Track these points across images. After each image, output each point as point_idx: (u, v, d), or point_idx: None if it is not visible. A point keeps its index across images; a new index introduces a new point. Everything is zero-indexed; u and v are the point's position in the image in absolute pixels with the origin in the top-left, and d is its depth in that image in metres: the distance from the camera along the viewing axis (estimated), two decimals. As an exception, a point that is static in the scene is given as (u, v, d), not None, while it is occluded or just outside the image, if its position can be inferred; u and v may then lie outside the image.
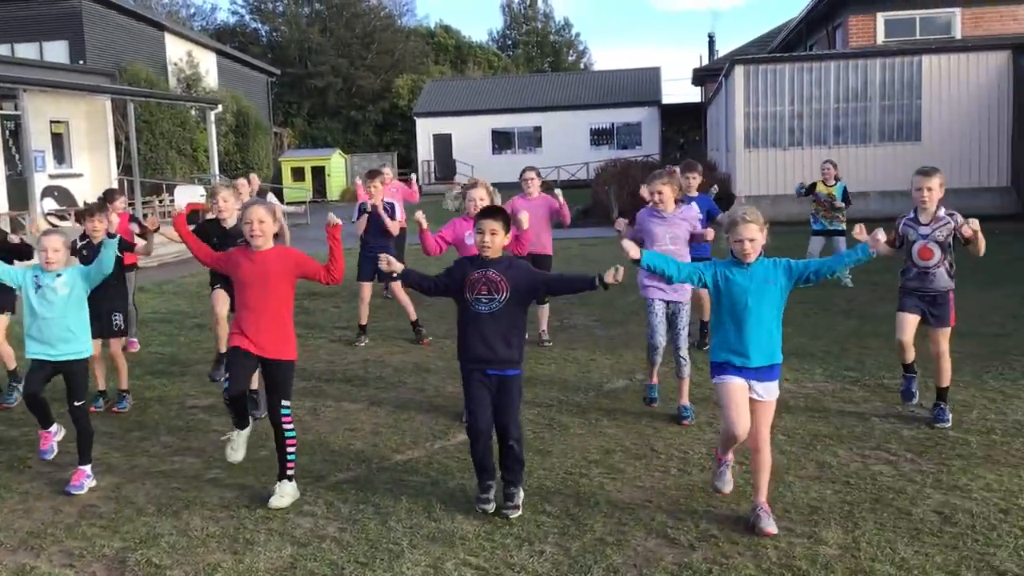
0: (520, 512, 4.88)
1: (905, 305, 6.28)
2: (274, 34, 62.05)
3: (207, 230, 7.40)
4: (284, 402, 5.20)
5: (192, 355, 9.34)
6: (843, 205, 11.85)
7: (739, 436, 4.62)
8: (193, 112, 29.27)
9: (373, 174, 9.78)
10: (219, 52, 37.92)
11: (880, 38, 24.27)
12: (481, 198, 6.63)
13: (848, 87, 20.77)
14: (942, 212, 6.14)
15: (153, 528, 4.92)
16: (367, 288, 9.71)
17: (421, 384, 7.87)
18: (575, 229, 21.71)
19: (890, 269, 12.99)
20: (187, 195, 23.37)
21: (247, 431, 5.39)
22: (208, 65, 35.76)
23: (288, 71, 56.02)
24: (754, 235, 4.61)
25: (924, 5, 24.27)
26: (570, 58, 76.65)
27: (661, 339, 6.58)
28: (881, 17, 24.36)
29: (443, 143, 47.86)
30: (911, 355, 6.39)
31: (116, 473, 5.81)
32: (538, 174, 9.17)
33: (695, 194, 8.71)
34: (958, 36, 23.83)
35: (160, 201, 25.03)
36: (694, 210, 6.83)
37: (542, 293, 5.21)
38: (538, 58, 74.51)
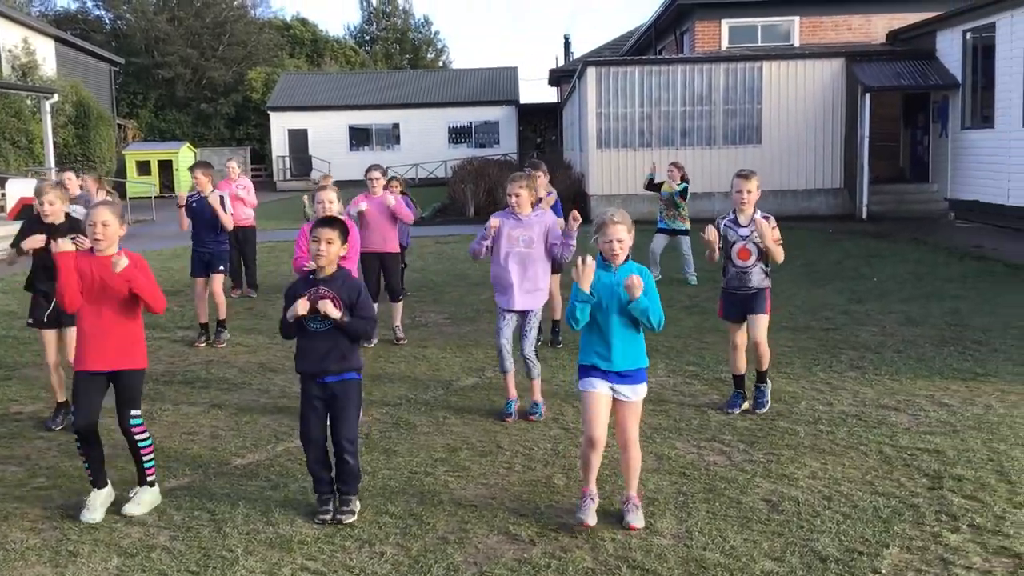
0: (355, 517, 4.80)
1: (729, 313, 6.54)
2: (119, 22, 59.41)
3: (34, 232, 6.95)
4: (134, 412, 4.97)
5: (19, 357, 8.82)
6: (683, 203, 12.24)
7: (596, 440, 4.65)
8: (29, 101, 27.66)
9: (199, 165, 9.55)
10: (58, 39, 35.96)
11: (724, 44, 25.22)
12: (331, 200, 6.51)
13: (694, 91, 21.49)
14: (759, 214, 6.39)
15: (-34, 544, 4.61)
16: (200, 284, 9.41)
17: (266, 385, 7.67)
18: (433, 226, 21.69)
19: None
20: (20, 189, 22.08)
21: (107, 490, 5.01)
22: (46, 52, 33.85)
23: (134, 61, 53.74)
24: (622, 236, 4.63)
25: (765, 14, 25.37)
26: (429, 56, 76.51)
27: (505, 341, 6.60)
28: (725, 24, 25.31)
29: (299, 138, 46.88)
30: (743, 363, 6.60)
31: (-73, 486, 5.42)
32: (383, 173, 9.11)
33: (543, 193, 8.80)
34: (797, 44, 25.02)
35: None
36: (550, 216, 6.82)
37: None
38: (397, 55, 74.04)
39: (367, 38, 75.61)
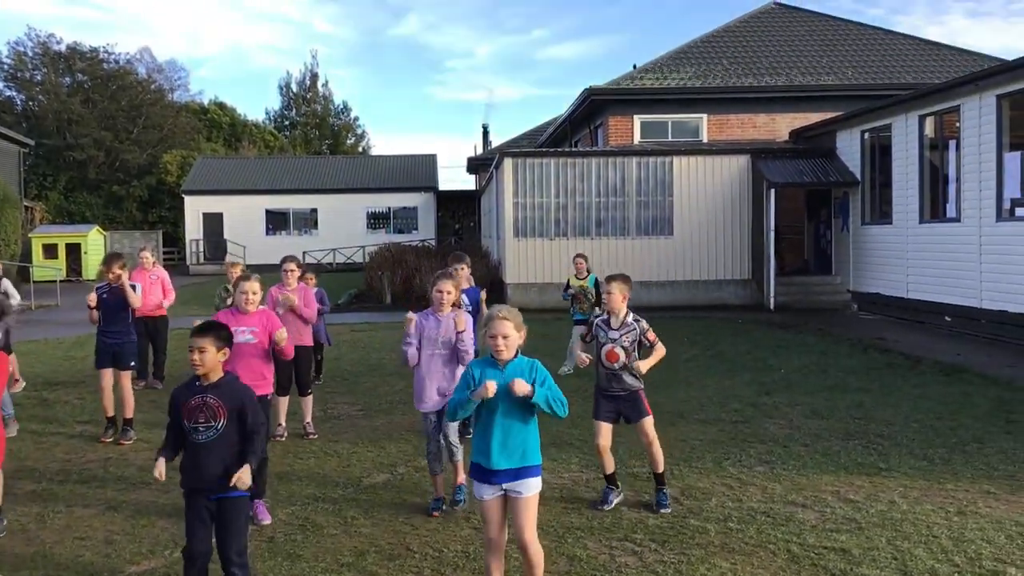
0: None
1: (599, 412, 6.61)
2: (30, 103, 58.45)
3: None
4: None
5: None
6: (594, 295, 12.33)
7: (494, 541, 4.61)
8: (-71, 182, 26.84)
9: (113, 258, 9.18)
10: (-36, 119, 35.16)
11: (637, 138, 26.00)
12: (255, 292, 6.44)
13: (608, 183, 21.99)
14: (630, 318, 6.52)
15: None
16: (107, 376, 9.06)
17: (167, 484, 7.37)
18: (349, 313, 21.48)
19: (643, 357, 13.67)
20: None
21: None
22: (-50, 132, 33.05)
23: (44, 142, 52.83)
24: (508, 332, 4.61)
25: (675, 111, 26.29)
26: (349, 141, 76.98)
27: (435, 445, 6.55)
28: (637, 119, 26.15)
29: (214, 222, 46.41)
30: (610, 463, 6.65)
31: None
32: (298, 264, 9.04)
33: (466, 285, 8.85)
34: (705, 140, 25.93)
35: None
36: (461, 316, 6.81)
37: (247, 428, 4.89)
38: (316, 140, 74.31)
39: (286, 123, 75.80)
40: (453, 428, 6.59)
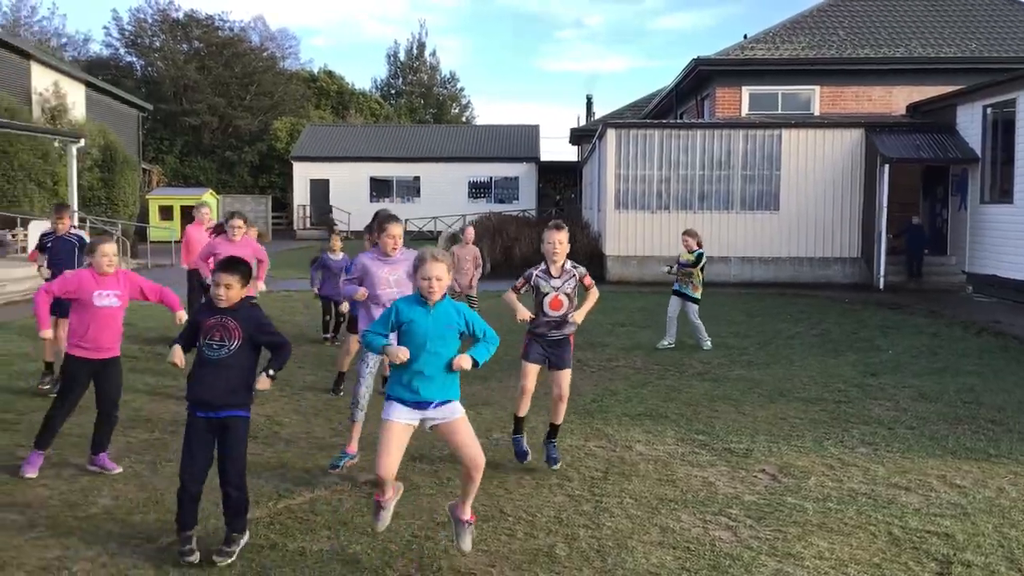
0: (231, 560, 4.87)
1: (530, 354, 6.70)
2: (149, 69, 60.54)
3: None
4: None
5: (30, 402, 8.83)
6: (693, 271, 12.15)
7: (385, 475, 4.74)
8: (56, 144, 28.09)
9: (61, 207, 10.18)
10: (89, 84, 36.66)
11: (745, 110, 25.43)
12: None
13: (713, 156, 21.62)
14: (568, 265, 6.66)
15: (-41, 594, 4.57)
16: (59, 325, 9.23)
17: (271, 439, 7.64)
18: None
19: (742, 334, 13.47)
20: (42, 230, 22.31)
21: None
22: (76, 97, 34.49)
23: (162, 107, 54.67)
24: (441, 274, 4.74)
25: (786, 82, 25.60)
26: (453, 111, 77.43)
27: (364, 390, 6.74)
28: (746, 91, 25.56)
29: (320, 188, 47.43)
30: (526, 406, 6.80)
31: (-74, 531, 5.40)
32: (246, 221, 10.17)
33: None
34: (816, 112, 25.20)
35: (14, 235, 23.85)
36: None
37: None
38: (421, 109, 74.97)
39: (393, 91, 76.67)
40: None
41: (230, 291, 4.94)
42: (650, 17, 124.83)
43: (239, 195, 49.42)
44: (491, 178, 47.74)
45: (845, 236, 21.53)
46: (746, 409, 8.83)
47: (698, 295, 12.21)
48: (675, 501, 6.10)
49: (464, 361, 4.72)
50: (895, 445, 7.52)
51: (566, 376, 6.70)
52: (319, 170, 47.42)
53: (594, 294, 6.85)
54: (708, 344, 12.20)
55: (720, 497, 6.18)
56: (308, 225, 46.56)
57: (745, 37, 27.65)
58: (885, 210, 20.07)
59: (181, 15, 60.90)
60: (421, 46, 77.36)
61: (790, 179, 21.51)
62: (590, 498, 6.13)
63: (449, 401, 4.80)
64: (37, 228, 22.44)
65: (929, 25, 26.44)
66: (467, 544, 4.96)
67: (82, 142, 26.41)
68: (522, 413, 6.86)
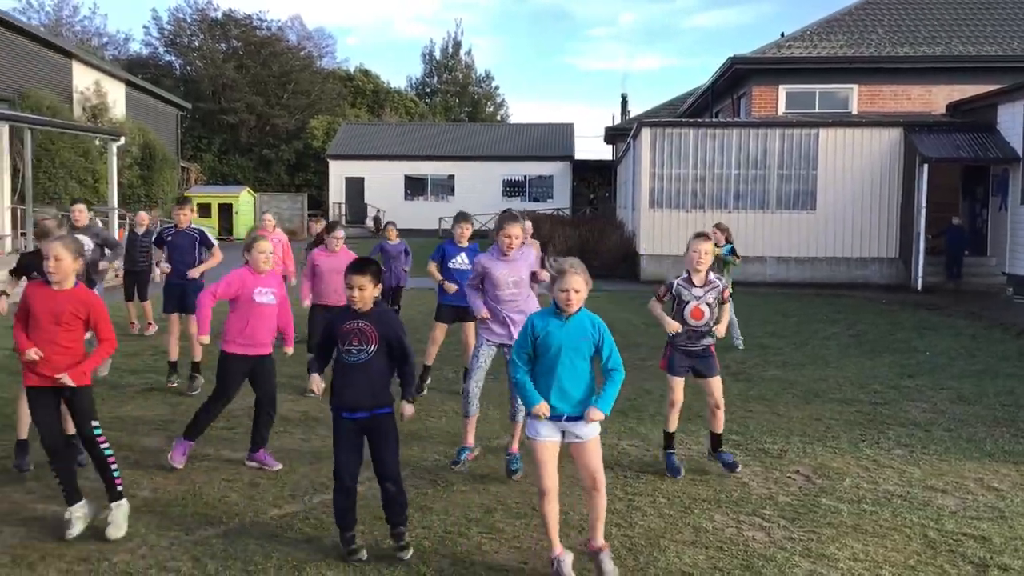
0: (411, 552, 4.99)
1: (675, 367, 6.68)
2: (188, 68, 61.18)
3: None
4: (93, 423, 5.26)
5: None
6: (734, 260, 12.09)
7: (548, 489, 4.71)
8: (97, 142, 28.54)
9: (182, 201, 9.90)
10: (129, 83, 37.18)
11: (781, 109, 25.24)
12: (268, 251, 6.89)
13: (749, 155, 21.48)
14: (711, 276, 6.63)
15: (4, 582, 4.68)
16: (174, 321, 9.55)
17: (307, 435, 7.72)
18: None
19: (778, 334, 13.39)
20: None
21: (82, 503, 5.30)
22: (116, 95, 35.01)
23: (200, 106, 55.24)
24: (579, 286, 4.71)
25: (823, 81, 25.38)
26: (488, 110, 77.46)
27: (474, 385, 6.78)
28: (783, 89, 25.37)
29: (355, 186, 47.68)
30: (676, 420, 6.75)
31: (-28, 521, 5.53)
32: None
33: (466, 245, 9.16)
34: (854, 111, 24.95)
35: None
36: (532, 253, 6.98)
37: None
38: (456, 107, 75.07)
39: (428, 90, 76.88)
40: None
41: (364, 292, 4.92)
42: (683, 15, 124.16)
43: (275, 193, 49.85)
44: (525, 177, 47.73)
45: (883, 236, 21.31)
46: (781, 409, 8.78)
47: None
48: (708, 501, 6.09)
49: (595, 414, 4.65)
50: (932, 447, 7.45)
51: (717, 383, 6.65)
52: (354, 168, 47.69)
53: (728, 308, 6.87)
54: (740, 343, 12.14)
55: (754, 497, 6.17)
56: (344, 223, 46.85)
57: (782, 35, 27.45)
58: (924, 210, 19.83)
59: (219, 15, 61.52)
60: (456, 45, 77.51)
61: (827, 178, 21.33)
62: (623, 496, 6.14)
63: (583, 415, 4.71)
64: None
65: (969, 23, 26.07)
66: (611, 569, 4.76)
67: (122, 140, 26.80)
68: (672, 428, 6.75)
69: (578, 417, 4.71)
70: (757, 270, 20.63)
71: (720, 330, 6.66)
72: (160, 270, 9.78)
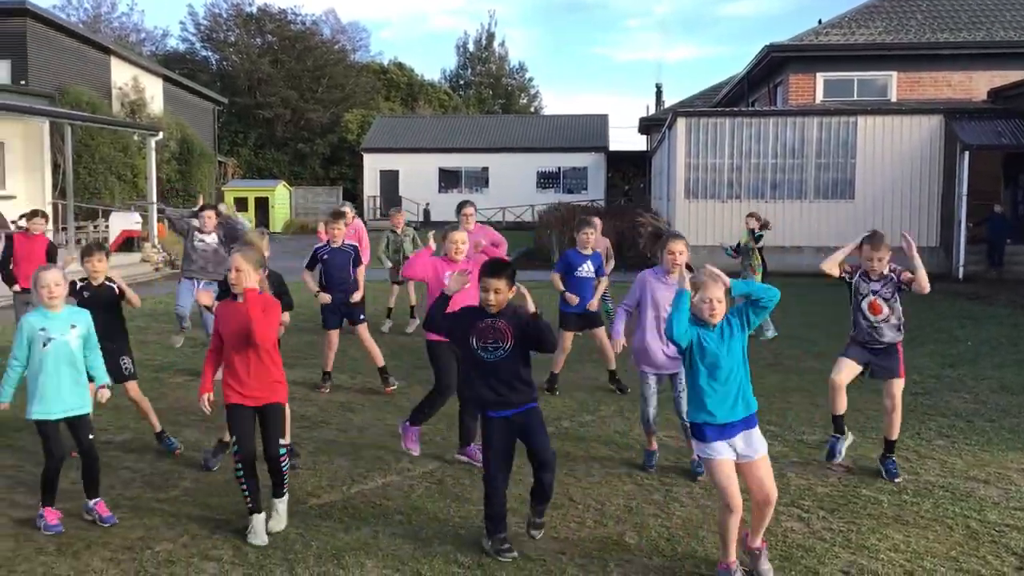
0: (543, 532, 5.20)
1: (849, 352, 6.48)
2: (224, 63, 61.73)
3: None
4: (282, 440, 5.45)
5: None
6: (754, 246, 12.13)
7: (736, 507, 4.59)
8: (136, 137, 28.92)
9: (337, 215, 9.23)
10: (166, 78, 37.60)
11: (819, 97, 24.95)
12: (463, 241, 6.61)
13: (786, 144, 21.26)
14: (887, 270, 6.41)
15: (50, 568, 4.77)
16: (334, 336, 9.20)
17: (345, 425, 7.78)
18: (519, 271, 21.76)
19: (816, 325, 13.26)
20: (122, 221, 23.01)
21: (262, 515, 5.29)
22: (154, 91, 35.42)
23: (236, 100, 55.72)
24: (722, 296, 4.66)
25: (862, 68, 25.04)
26: (522, 101, 77.31)
27: (653, 411, 6.56)
28: (820, 77, 25.07)
29: (390, 179, 47.86)
30: (843, 404, 6.50)
31: (19, 509, 5.64)
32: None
33: (590, 252, 8.93)
34: (894, 99, 24.60)
35: (95, 227, 24.59)
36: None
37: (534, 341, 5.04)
38: (490, 99, 74.97)
39: (461, 83, 76.90)
40: (683, 404, 6.40)
41: (499, 295, 4.92)
42: (718, 4, 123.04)
43: (311, 187, 50.20)
44: (559, 168, 47.62)
45: (923, 225, 21.01)
46: (819, 400, 8.69)
47: (756, 278, 12.02)
48: (746, 491, 6.04)
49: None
50: (974, 438, 7.35)
51: (896, 385, 6.39)
52: (389, 161, 47.86)
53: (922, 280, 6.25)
54: (771, 333, 12.06)
55: (792, 488, 6.12)
56: (378, 216, 47.06)
57: (820, 22, 27.12)
58: (965, 198, 19.53)
59: (255, 10, 61.99)
60: (490, 36, 77.38)
61: (866, 167, 21.06)
62: (660, 487, 6.13)
63: (750, 417, 4.67)
64: (117, 220, 23.18)
65: (1011, 7, 25.58)
66: (767, 569, 4.76)
67: (160, 135, 27.12)
68: (839, 410, 6.55)
69: (743, 420, 4.63)
70: (795, 260, 20.42)
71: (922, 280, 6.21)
72: (320, 299, 9.09)
